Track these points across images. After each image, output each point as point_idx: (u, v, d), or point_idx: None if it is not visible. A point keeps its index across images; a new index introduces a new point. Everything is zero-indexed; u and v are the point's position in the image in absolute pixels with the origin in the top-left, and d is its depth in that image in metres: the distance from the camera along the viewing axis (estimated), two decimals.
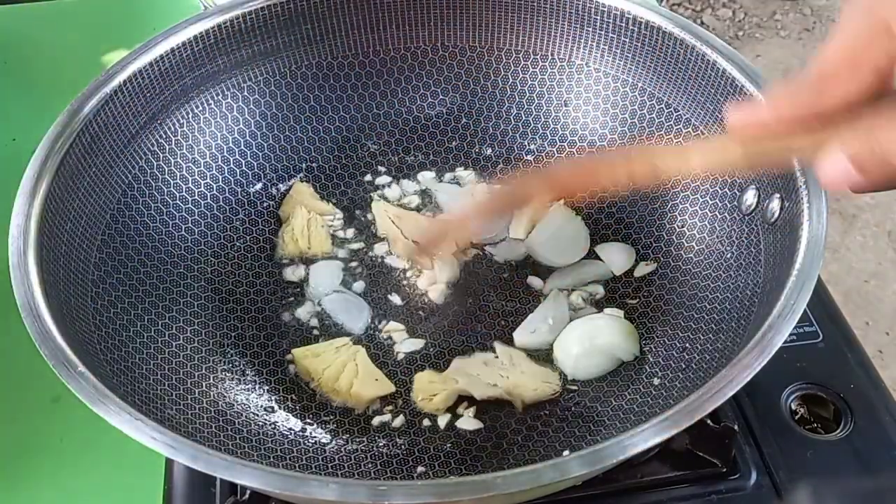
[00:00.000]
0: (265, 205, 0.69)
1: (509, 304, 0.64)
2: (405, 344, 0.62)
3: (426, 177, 0.72)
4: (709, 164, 0.43)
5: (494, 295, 0.64)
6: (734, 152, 0.42)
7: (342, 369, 0.59)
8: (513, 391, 0.58)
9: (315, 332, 0.63)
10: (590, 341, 0.59)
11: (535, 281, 0.65)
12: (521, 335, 0.61)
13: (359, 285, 0.65)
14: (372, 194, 0.71)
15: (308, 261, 0.67)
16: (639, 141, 0.68)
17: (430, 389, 0.58)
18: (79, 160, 0.57)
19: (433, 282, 0.65)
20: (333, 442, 0.56)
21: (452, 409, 0.58)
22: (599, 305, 0.64)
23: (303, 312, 0.64)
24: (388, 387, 0.59)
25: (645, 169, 0.45)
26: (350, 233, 0.69)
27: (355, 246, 0.68)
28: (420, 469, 0.55)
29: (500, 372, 0.59)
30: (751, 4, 2.33)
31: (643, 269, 0.65)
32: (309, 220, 0.68)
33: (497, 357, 0.60)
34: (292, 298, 0.65)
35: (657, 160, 0.45)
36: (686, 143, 0.49)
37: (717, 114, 0.62)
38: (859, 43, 0.36)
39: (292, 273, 0.66)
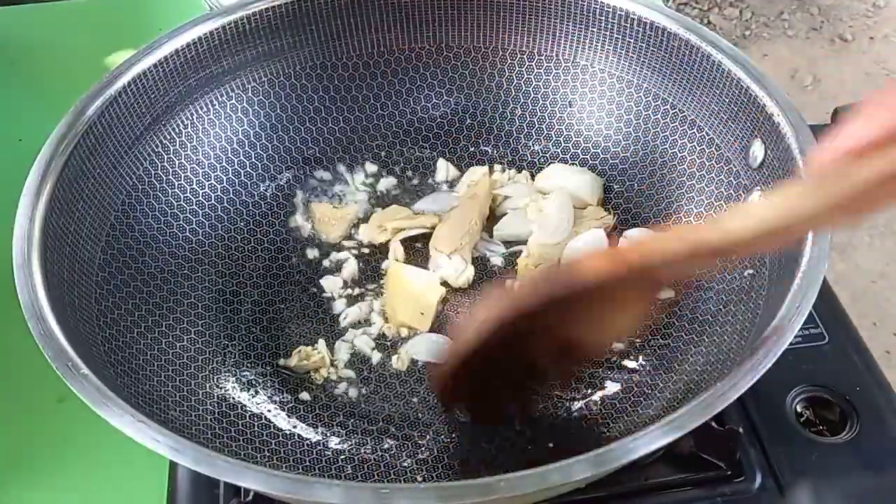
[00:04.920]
0: (269, 206, 0.69)
1: None
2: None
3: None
4: (782, 218, 0.37)
5: None
6: (813, 197, 0.36)
7: (412, 289, 0.63)
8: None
9: (319, 327, 0.63)
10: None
11: None
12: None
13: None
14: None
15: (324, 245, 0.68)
16: (644, 141, 0.68)
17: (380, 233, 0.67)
18: (83, 161, 0.57)
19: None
20: (338, 444, 0.56)
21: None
22: None
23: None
24: (423, 324, 0.62)
25: (714, 237, 0.39)
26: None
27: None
28: (424, 472, 0.55)
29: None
30: (758, 4, 2.32)
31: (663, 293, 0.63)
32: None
33: None
34: (296, 296, 0.65)
35: (727, 225, 0.39)
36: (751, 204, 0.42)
37: (721, 115, 0.62)
38: None
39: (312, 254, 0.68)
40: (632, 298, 0.43)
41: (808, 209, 0.37)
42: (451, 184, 0.71)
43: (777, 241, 0.41)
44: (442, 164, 0.72)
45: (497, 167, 0.71)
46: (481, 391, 0.49)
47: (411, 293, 0.63)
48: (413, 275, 0.64)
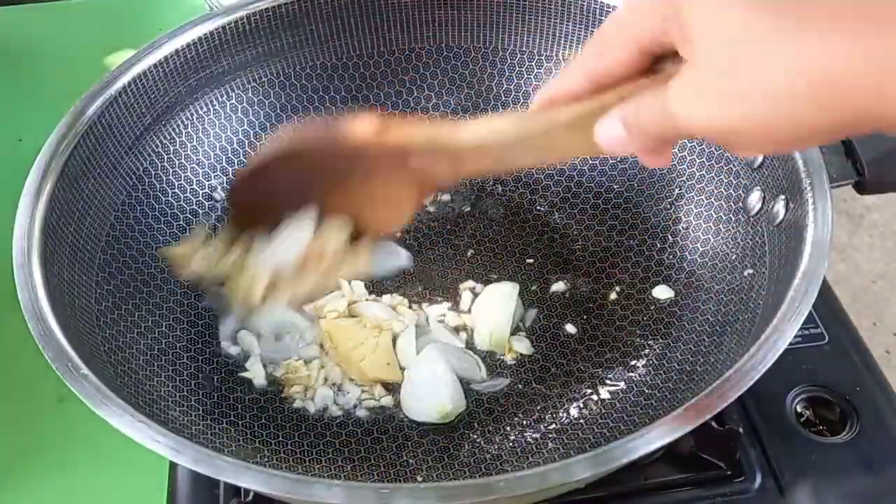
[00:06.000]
0: None
1: None
2: None
3: None
4: (491, 137, 0.41)
5: None
6: (515, 128, 0.40)
7: (363, 343, 0.60)
8: None
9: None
10: None
11: None
12: None
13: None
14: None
15: None
16: None
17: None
18: (83, 161, 0.57)
19: None
20: (338, 444, 0.56)
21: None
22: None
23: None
24: (395, 375, 0.59)
25: (444, 134, 0.43)
26: None
27: None
28: (424, 472, 0.55)
29: None
30: None
31: (663, 293, 0.63)
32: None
33: None
34: None
35: (460, 129, 0.43)
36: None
37: None
38: (630, 19, 0.35)
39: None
40: (396, 180, 0.46)
41: (510, 136, 0.41)
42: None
43: (491, 160, 0.43)
44: None
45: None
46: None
47: (365, 348, 0.60)
48: (354, 330, 0.61)
